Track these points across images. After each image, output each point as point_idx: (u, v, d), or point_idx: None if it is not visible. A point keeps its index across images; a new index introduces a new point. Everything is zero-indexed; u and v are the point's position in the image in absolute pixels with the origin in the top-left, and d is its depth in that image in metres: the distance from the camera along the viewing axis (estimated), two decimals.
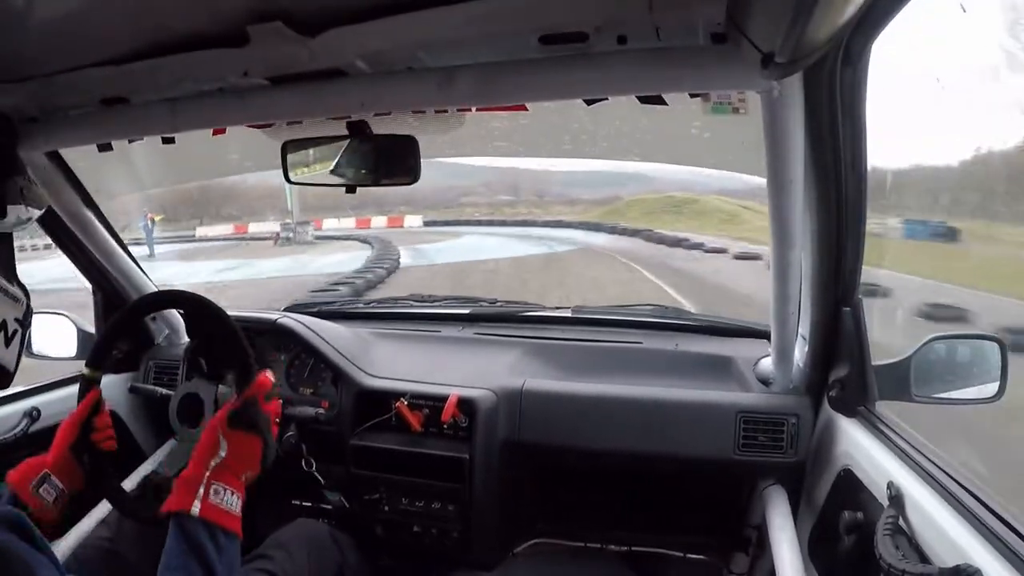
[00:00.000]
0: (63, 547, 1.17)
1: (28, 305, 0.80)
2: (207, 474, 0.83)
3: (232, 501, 0.83)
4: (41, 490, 0.92)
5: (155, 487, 1.25)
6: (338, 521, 1.39)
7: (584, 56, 0.82)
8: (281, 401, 0.96)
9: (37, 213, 0.84)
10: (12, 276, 0.77)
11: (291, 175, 1.15)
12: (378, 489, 1.41)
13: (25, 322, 0.78)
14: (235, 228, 25.81)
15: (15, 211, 0.81)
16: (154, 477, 1.29)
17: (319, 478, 1.39)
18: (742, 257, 12.95)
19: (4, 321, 0.73)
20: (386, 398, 1.41)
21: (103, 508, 1.24)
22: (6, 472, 1.33)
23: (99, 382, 1.07)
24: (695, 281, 10.61)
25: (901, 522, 0.87)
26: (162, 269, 13.51)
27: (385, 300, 2.03)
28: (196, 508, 0.80)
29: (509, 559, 1.56)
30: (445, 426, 1.37)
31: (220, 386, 1.15)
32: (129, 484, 1.32)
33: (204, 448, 0.86)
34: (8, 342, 0.74)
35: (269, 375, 0.97)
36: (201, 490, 0.82)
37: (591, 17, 0.74)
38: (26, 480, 0.92)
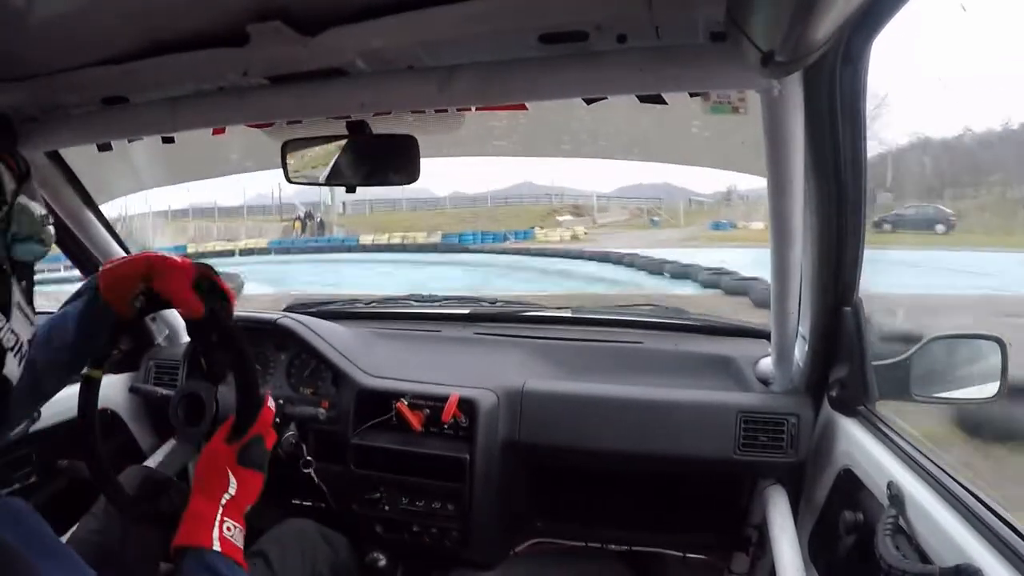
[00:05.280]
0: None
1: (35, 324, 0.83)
2: (220, 511, 0.85)
3: (240, 537, 0.85)
4: (136, 303, 0.93)
5: (154, 484, 1.25)
6: (334, 522, 1.39)
7: (584, 55, 0.82)
8: (274, 407, 0.96)
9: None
10: (31, 300, 0.80)
11: (291, 175, 1.16)
12: (378, 489, 1.41)
13: (30, 340, 0.80)
14: None
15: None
16: (154, 475, 1.29)
17: (313, 478, 1.39)
18: None
19: (19, 341, 0.75)
20: (386, 398, 1.41)
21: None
22: (9, 475, 1.34)
23: (99, 383, 1.07)
24: None
25: (901, 522, 0.87)
26: None
27: (385, 300, 2.02)
28: (216, 543, 0.82)
29: (509, 559, 1.56)
30: (445, 426, 1.37)
31: (220, 386, 1.15)
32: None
33: (214, 482, 0.87)
34: (20, 359, 0.76)
35: (271, 402, 0.97)
36: (216, 526, 0.83)
37: (591, 16, 0.74)
38: (124, 298, 0.93)
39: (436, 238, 24.10)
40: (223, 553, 0.81)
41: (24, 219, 0.74)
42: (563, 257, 18.84)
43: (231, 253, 22.73)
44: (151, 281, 0.92)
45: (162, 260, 0.92)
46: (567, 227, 25.76)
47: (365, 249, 22.75)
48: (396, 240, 23.88)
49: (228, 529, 0.83)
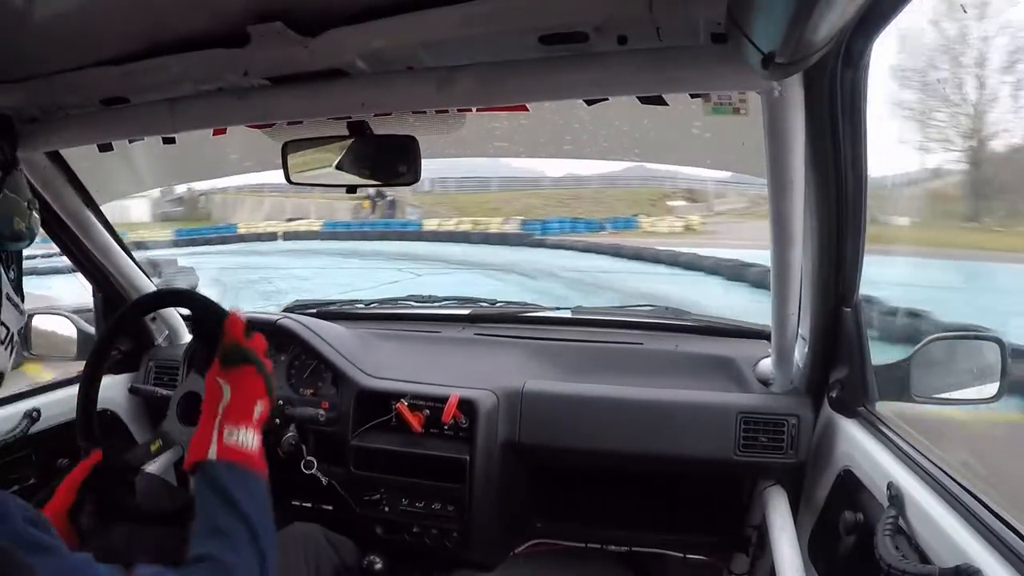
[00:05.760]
0: None
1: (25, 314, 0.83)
2: (217, 420, 0.84)
3: (247, 439, 0.83)
4: None
5: (160, 487, 1.25)
6: (335, 523, 1.39)
7: (584, 56, 0.82)
8: (243, 317, 0.95)
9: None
10: (20, 289, 0.80)
11: (291, 176, 1.15)
12: (378, 490, 1.41)
13: (20, 330, 0.81)
14: None
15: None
16: (159, 478, 1.30)
17: (320, 478, 1.39)
18: None
19: (10, 332, 0.75)
20: (387, 399, 1.41)
21: None
22: (8, 475, 1.34)
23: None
24: None
25: (901, 522, 0.87)
26: None
27: (385, 300, 2.02)
28: (212, 453, 0.80)
29: (509, 559, 1.56)
30: (445, 427, 1.37)
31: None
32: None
33: (209, 399, 0.87)
34: (11, 350, 0.76)
35: (239, 312, 0.95)
36: (215, 436, 0.82)
37: (591, 17, 0.74)
38: None
39: (515, 225, 19.36)
40: (220, 459, 0.80)
41: (10, 209, 0.74)
42: (670, 265, 12.93)
43: (273, 236, 20.63)
44: None
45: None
46: (679, 214, 20.33)
47: (421, 237, 19.18)
48: (466, 227, 19.71)
49: (228, 435, 0.82)
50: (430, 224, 20.87)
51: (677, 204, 22.54)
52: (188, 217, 25.09)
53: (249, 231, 21.39)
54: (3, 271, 0.74)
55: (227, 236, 20.64)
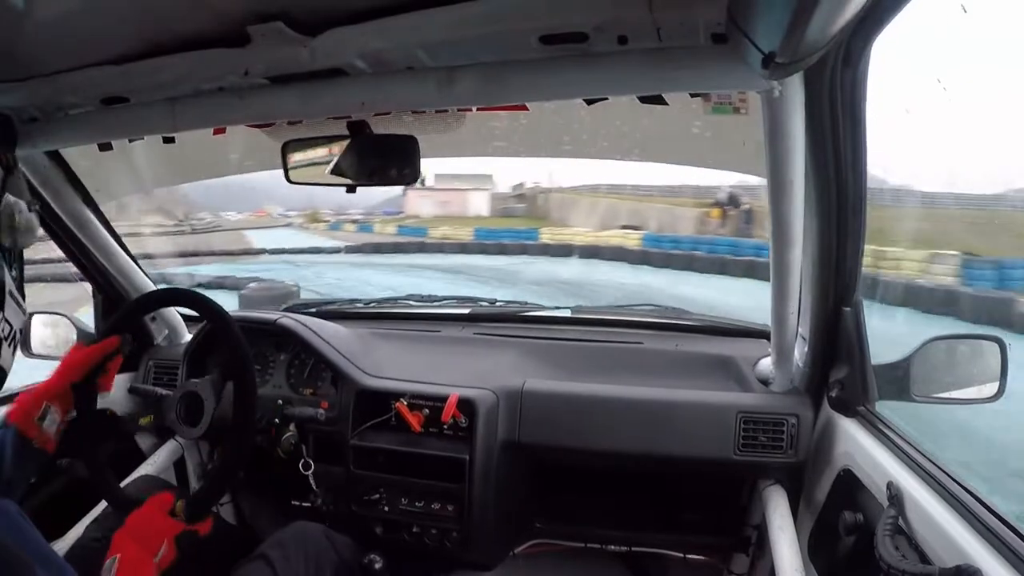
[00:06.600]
0: (60, 547, 1.17)
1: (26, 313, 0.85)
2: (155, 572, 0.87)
3: None
4: (45, 423, 0.96)
5: (160, 488, 1.25)
6: (336, 523, 1.39)
7: (584, 56, 0.82)
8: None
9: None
10: (21, 288, 0.82)
11: (291, 175, 1.16)
12: (378, 489, 1.41)
13: (22, 328, 0.83)
14: None
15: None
16: (160, 481, 1.30)
17: (312, 483, 1.39)
18: None
19: (13, 330, 0.76)
20: (386, 398, 1.41)
21: (99, 509, 1.25)
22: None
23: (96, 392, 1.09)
24: None
25: (901, 522, 0.88)
26: None
27: (385, 300, 2.03)
28: None
29: (509, 559, 1.56)
30: (445, 426, 1.37)
31: (220, 385, 1.16)
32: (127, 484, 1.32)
33: (151, 539, 0.90)
34: (14, 348, 0.77)
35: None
36: None
37: (591, 17, 0.74)
38: (29, 416, 0.95)
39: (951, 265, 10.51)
40: None
41: (14, 208, 0.76)
42: None
43: (569, 251, 16.15)
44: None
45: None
46: None
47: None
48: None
49: None
50: None
51: None
52: (529, 215, 23.12)
53: (552, 240, 17.63)
54: (6, 269, 0.75)
55: (527, 244, 16.95)
